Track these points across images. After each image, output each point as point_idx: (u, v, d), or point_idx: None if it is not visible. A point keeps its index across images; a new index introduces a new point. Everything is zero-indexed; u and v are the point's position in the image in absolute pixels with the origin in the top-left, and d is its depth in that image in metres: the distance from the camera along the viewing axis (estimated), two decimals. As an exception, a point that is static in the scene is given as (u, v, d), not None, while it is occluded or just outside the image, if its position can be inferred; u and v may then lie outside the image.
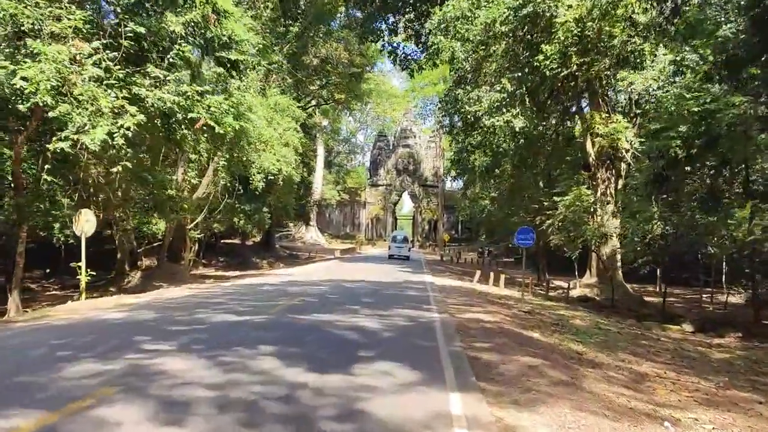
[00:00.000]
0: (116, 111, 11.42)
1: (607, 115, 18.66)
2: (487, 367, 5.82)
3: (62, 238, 14.99)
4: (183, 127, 13.21)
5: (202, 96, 12.84)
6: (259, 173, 23.05)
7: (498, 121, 17.65)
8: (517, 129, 17.71)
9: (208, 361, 5.27)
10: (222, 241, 40.14)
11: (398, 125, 75.65)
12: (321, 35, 33.98)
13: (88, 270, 12.05)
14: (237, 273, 28.74)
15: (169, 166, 20.69)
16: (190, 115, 12.41)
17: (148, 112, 12.44)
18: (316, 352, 5.93)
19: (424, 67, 30.83)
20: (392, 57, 30.75)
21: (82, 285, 11.63)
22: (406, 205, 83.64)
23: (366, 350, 6.14)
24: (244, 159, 20.80)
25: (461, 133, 24.00)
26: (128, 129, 11.18)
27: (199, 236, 28.39)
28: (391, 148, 75.29)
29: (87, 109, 10.85)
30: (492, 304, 12.66)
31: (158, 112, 12.60)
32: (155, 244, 26.78)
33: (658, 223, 13.63)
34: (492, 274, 18.44)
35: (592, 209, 17.82)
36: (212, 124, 12.79)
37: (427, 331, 7.76)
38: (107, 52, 11.75)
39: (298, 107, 24.57)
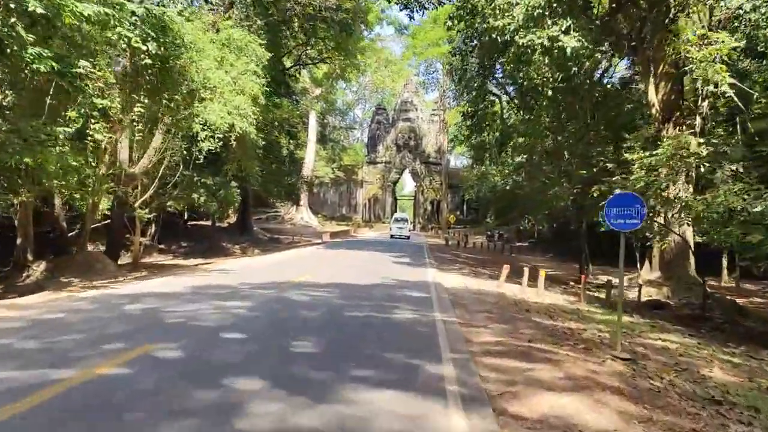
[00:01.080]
0: None
1: (703, 29, 12.42)
2: None
3: None
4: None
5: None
6: (204, 130, 16.99)
7: (539, 38, 11.51)
8: (568, 52, 11.57)
9: None
10: (190, 222, 34.63)
11: (398, 98, 69.14)
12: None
13: None
14: (196, 262, 22.98)
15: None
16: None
17: None
18: None
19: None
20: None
21: None
22: (407, 185, 77.58)
23: None
24: (174, 106, 14.75)
25: (477, 78, 17.83)
26: None
27: (148, 216, 22.75)
28: (390, 122, 68.86)
29: None
30: (557, 339, 6.70)
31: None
32: (97, 225, 21.30)
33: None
34: (526, 270, 12.49)
35: (697, 166, 11.81)
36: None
37: None
38: None
39: (260, 44, 18.40)
